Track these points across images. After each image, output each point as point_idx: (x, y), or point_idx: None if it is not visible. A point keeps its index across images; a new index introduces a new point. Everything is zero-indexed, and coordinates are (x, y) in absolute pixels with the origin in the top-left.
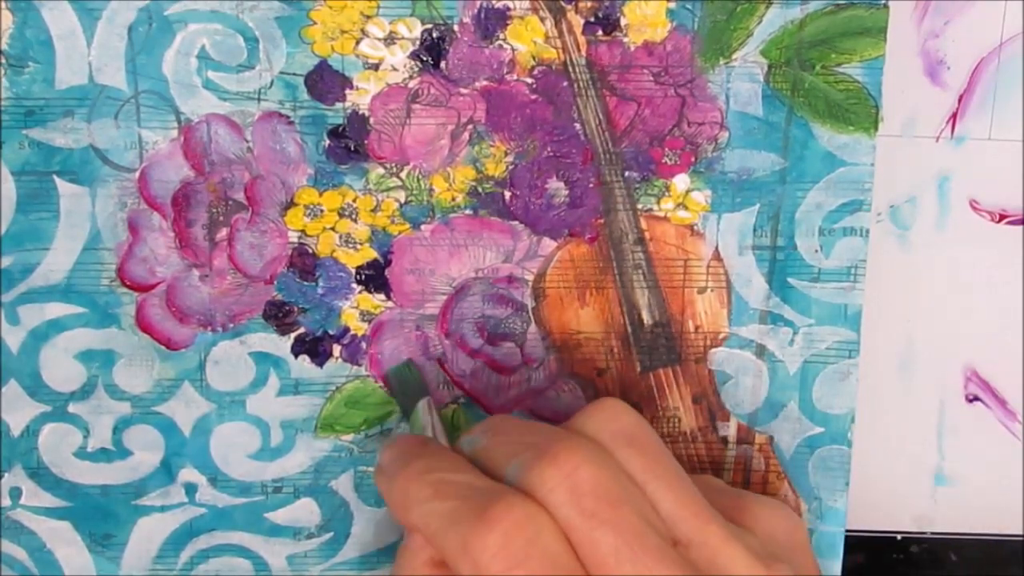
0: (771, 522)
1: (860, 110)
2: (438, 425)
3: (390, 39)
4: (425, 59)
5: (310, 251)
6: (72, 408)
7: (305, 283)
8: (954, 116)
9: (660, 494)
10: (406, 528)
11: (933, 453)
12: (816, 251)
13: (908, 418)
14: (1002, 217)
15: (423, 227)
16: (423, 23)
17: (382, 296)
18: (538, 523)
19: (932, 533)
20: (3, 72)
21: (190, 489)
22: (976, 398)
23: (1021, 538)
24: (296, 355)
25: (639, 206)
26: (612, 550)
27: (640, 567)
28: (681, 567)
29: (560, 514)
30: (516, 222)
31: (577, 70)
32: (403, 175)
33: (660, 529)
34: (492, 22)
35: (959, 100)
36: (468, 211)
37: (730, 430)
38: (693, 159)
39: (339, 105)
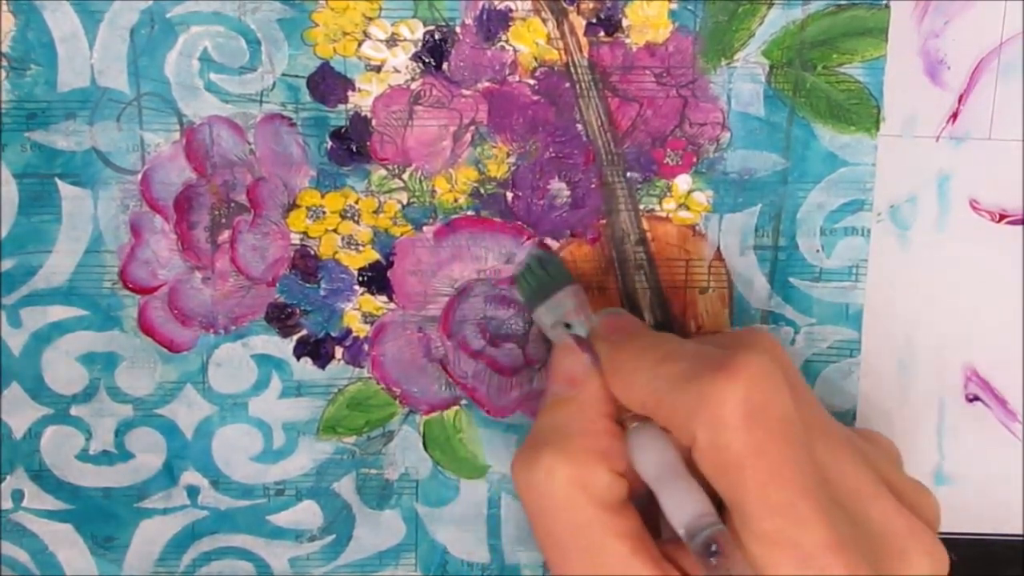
0: (918, 499)
1: (861, 110)
2: (587, 309)
3: (392, 41)
4: (427, 60)
5: (312, 253)
6: (74, 410)
7: (307, 285)
8: (954, 116)
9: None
10: (576, 385)
11: (933, 453)
12: (817, 251)
13: (908, 418)
14: (1002, 217)
15: (425, 228)
16: (425, 25)
17: (384, 298)
18: (776, 381)
19: None
20: (5, 75)
21: (192, 492)
22: (976, 398)
23: (1021, 538)
24: (298, 357)
25: (641, 207)
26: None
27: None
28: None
29: None
30: (518, 223)
31: (579, 71)
32: (405, 176)
33: None
34: (494, 23)
35: (959, 100)
36: (470, 212)
37: None
38: (695, 159)
39: (341, 107)
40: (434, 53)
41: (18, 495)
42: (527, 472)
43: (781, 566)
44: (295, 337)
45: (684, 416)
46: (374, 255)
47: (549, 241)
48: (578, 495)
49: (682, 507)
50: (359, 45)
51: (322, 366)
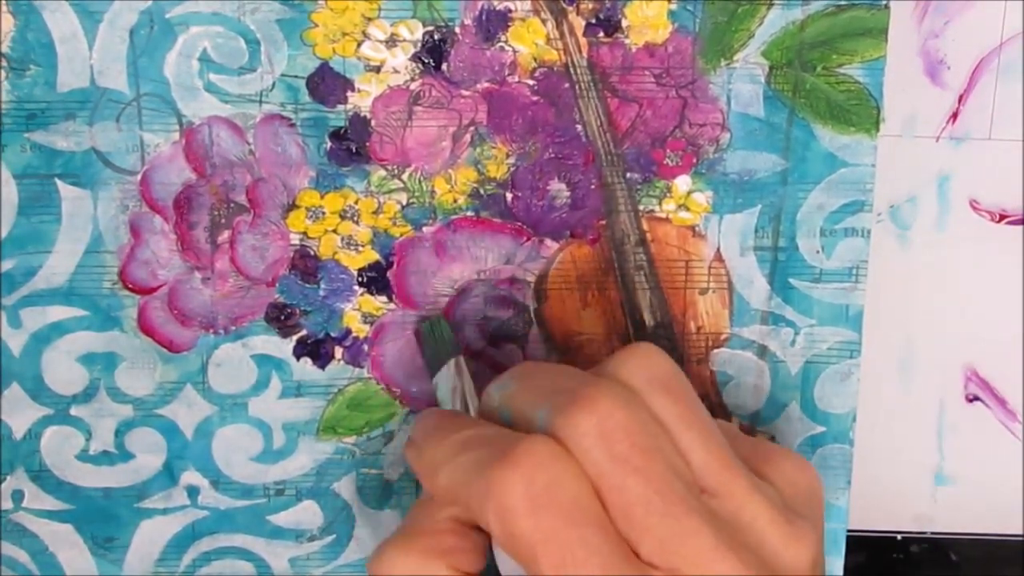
0: (792, 474)
1: (861, 111)
2: (469, 385)
3: (391, 41)
4: (426, 61)
5: (312, 253)
6: (74, 411)
7: (307, 285)
8: (954, 116)
9: (691, 443)
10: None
11: (933, 453)
12: (817, 252)
13: (908, 418)
14: (1002, 217)
15: (425, 229)
16: (424, 25)
17: (384, 298)
18: (561, 464)
19: (932, 533)
20: (5, 75)
21: (192, 492)
22: (976, 398)
23: (1021, 538)
24: (298, 357)
25: (641, 207)
26: (641, 498)
27: (668, 518)
28: (708, 519)
29: (589, 459)
30: (518, 224)
31: (578, 72)
32: (405, 177)
33: (688, 479)
34: (493, 24)
35: (959, 100)
36: (470, 213)
37: None
38: (694, 160)
39: (340, 107)
40: (433, 53)
41: (18, 495)
42: (374, 566)
43: None
44: (295, 337)
45: (478, 506)
46: (374, 255)
47: (549, 242)
48: None
49: None
50: (358, 45)
51: (322, 366)
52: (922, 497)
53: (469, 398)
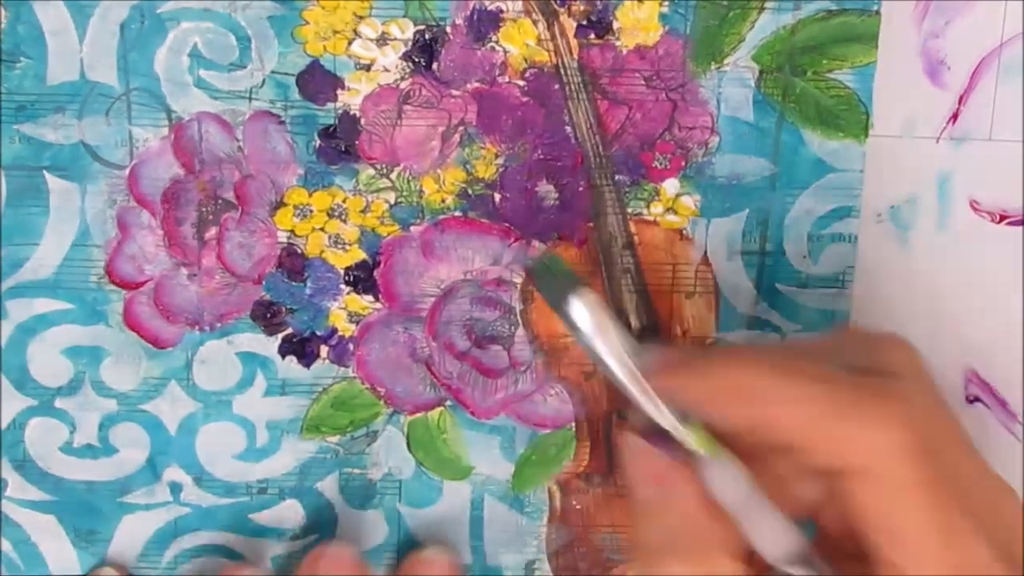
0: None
1: (850, 116)
2: (612, 318)
3: (382, 40)
4: (417, 60)
5: (299, 251)
6: (59, 403)
7: (293, 283)
8: (954, 116)
9: None
10: (665, 482)
11: None
12: (804, 257)
13: None
14: (1002, 217)
15: (412, 228)
16: (416, 24)
17: (370, 297)
18: (947, 408)
19: None
20: None
21: (175, 488)
22: (976, 399)
23: None
24: (283, 356)
25: (629, 210)
26: None
27: None
28: None
29: None
30: (505, 225)
31: (569, 73)
32: (393, 176)
33: None
34: (485, 24)
35: (959, 100)
36: (458, 213)
37: None
38: (683, 164)
39: (330, 105)
40: (424, 53)
41: (1, 485)
42: None
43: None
44: (280, 335)
45: (848, 443)
46: (361, 254)
47: (536, 243)
48: None
49: (776, 540)
50: (349, 44)
51: (307, 365)
52: None
53: (617, 335)
